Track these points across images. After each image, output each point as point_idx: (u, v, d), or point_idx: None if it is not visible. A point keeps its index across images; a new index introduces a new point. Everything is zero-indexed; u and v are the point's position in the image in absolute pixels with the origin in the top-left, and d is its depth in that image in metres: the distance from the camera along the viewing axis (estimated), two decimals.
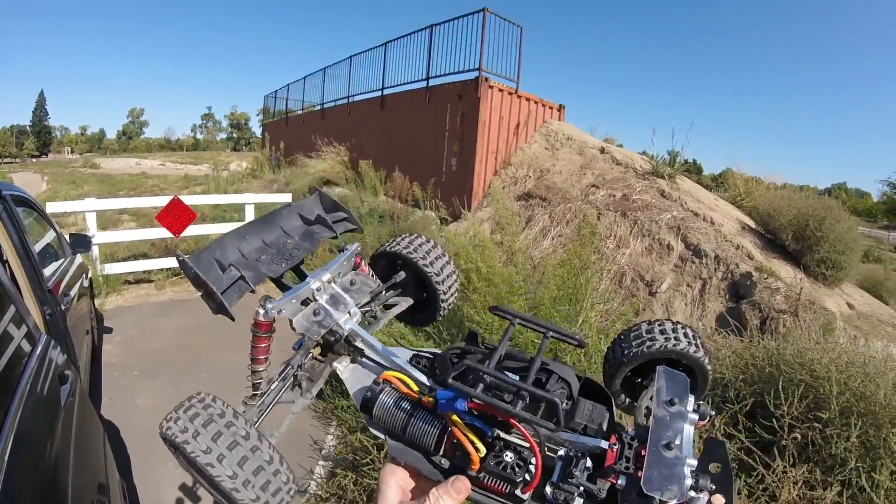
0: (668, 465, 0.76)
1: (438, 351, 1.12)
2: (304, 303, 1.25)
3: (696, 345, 1.08)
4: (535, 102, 12.55)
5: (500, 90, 11.45)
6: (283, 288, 1.32)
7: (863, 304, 7.79)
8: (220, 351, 6.54)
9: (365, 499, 3.62)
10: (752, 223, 9.42)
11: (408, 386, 0.98)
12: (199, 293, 1.20)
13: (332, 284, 1.30)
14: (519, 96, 11.98)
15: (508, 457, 0.83)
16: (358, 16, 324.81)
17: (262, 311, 1.20)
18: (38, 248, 4.09)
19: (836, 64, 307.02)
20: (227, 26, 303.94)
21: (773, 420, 3.63)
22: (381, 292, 1.52)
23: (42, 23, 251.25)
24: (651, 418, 0.86)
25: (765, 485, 3.44)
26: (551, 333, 1.06)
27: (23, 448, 1.66)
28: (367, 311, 1.44)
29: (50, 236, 5.14)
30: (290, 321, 1.21)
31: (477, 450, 0.84)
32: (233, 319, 1.17)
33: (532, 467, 0.82)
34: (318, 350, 1.27)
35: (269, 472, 1.00)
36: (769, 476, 3.43)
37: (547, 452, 0.85)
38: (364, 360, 1.20)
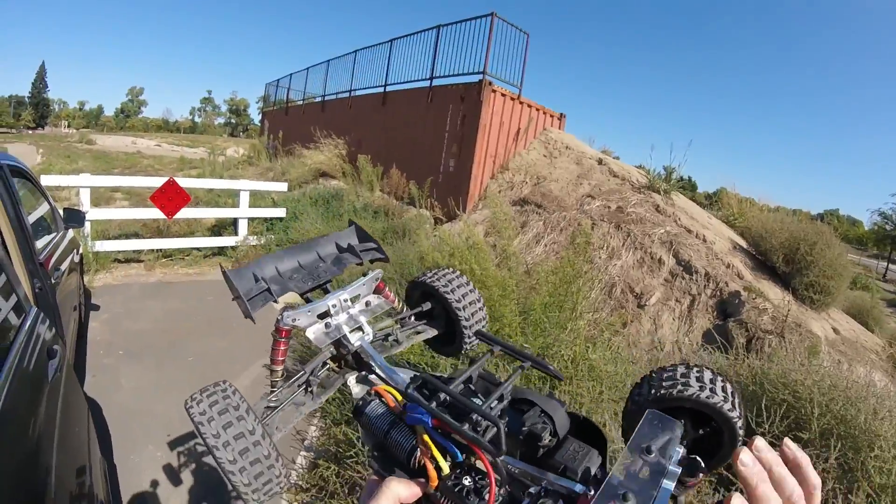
0: None
1: (443, 375, 1.15)
2: (322, 317, 1.36)
3: (733, 404, 0.98)
4: (537, 109, 12.56)
5: (503, 95, 11.45)
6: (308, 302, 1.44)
7: (848, 330, 7.84)
8: (206, 336, 6.54)
9: (346, 491, 3.62)
10: (743, 243, 9.45)
11: (396, 400, 0.99)
12: (233, 299, 1.38)
13: (349, 303, 1.42)
14: (521, 102, 11.98)
15: (467, 481, 0.82)
16: (365, 14, 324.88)
17: (280, 319, 1.33)
18: (31, 220, 4.07)
19: (837, 92, 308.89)
20: (233, 12, 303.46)
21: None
22: (409, 318, 1.65)
23: None
24: (615, 464, 0.83)
25: None
26: (529, 363, 1.04)
27: (8, 422, 1.65)
28: (389, 335, 1.56)
29: (44, 209, 5.11)
30: (305, 331, 1.33)
31: (439, 469, 0.83)
32: (254, 322, 1.35)
33: (487, 495, 0.80)
34: (335, 363, 1.38)
35: (264, 465, 1.08)
36: None
37: (525, 487, 0.83)
38: (373, 377, 1.26)
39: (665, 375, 1.04)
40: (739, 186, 13.02)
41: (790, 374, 4.12)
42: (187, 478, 4.10)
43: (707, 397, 0.96)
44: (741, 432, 0.97)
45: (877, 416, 3.62)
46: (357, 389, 1.25)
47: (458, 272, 1.68)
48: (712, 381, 1.00)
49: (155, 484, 3.99)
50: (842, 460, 3.48)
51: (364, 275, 1.52)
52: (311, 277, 1.50)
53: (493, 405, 0.89)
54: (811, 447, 3.56)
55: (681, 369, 1.04)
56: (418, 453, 0.86)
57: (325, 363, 1.39)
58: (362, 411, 0.96)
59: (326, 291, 1.50)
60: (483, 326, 1.68)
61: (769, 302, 6.77)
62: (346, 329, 1.34)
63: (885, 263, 42.91)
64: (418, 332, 1.65)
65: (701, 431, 0.98)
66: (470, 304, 1.65)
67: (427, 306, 1.65)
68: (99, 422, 4.50)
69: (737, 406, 0.98)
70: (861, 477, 3.39)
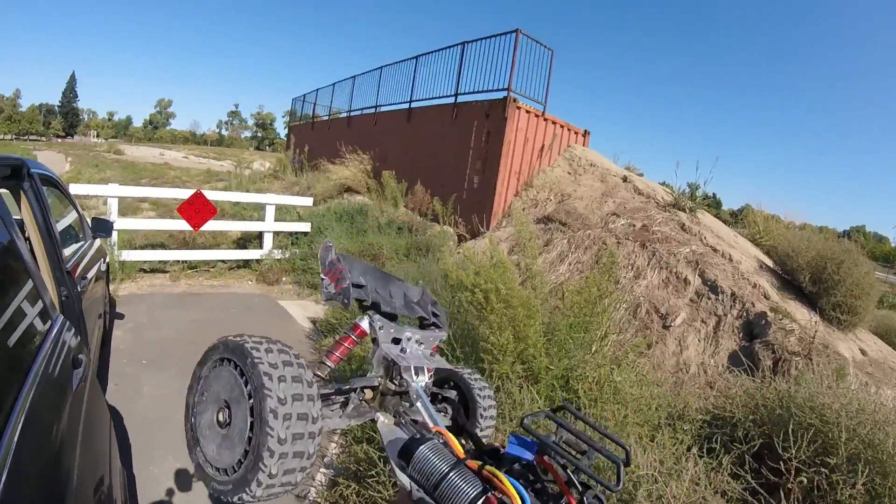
0: None
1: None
2: (395, 342, 1.32)
3: None
4: (561, 126, 12.54)
5: (528, 112, 11.46)
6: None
7: (875, 351, 7.70)
8: None
9: None
10: (769, 262, 9.33)
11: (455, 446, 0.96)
12: (323, 274, 1.34)
13: (417, 346, 1.37)
14: (545, 119, 11.98)
15: None
16: (390, 31, 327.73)
17: (367, 320, 1.31)
18: (59, 227, 4.12)
19: (862, 107, 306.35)
20: (261, 26, 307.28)
21: (781, 462, 3.59)
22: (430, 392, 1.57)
23: (80, 5, 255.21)
24: None
25: None
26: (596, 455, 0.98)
27: (32, 428, 1.66)
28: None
29: (72, 217, 5.18)
30: (379, 344, 1.28)
31: None
32: (347, 307, 1.32)
33: None
34: (369, 394, 1.30)
35: (299, 464, 0.98)
36: None
37: None
38: (403, 424, 1.19)
39: None
40: (765, 203, 12.84)
41: (817, 397, 4.05)
42: (206, 491, 4.09)
43: None
44: None
45: None
46: (386, 430, 1.18)
47: (489, 385, 1.65)
48: None
49: (171, 493, 3.99)
50: (869, 486, 3.42)
51: (437, 327, 1.50)
52: (387, 304, 1.43)
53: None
54: (838, 472, 3.49)
55: None
56: (483, 502, 0.81)
57: (362, 390, 1.31)
58: (417, 447, 0.90)
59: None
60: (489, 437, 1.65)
61: (796, 323, 6.68)
62: (414, 363, 1.27)
63: None
64: None
65: None
66: (488, 427, 1.62)
67: (453, 394, 1.60)
68: (119, 431, 4.52)
69: None
70: (888, 503, 3.32)
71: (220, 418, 1.04)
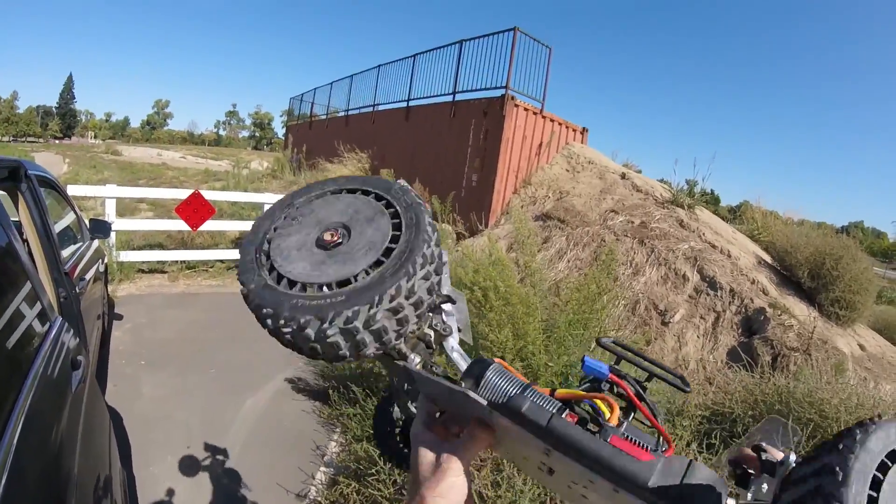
0: None
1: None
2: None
3: None
4: (559, 124, 12.50)
5: (526, 109, 11.44)
6: None
7: (874, 346, 7.70)
8: (229, 347, 6.55)
9: None
10: (768, 258, 9.33)
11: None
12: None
13: (449, 306, 1.31)
14: (543, 116, 11.95)
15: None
16: (387, 30, 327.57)
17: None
18: (57, 229, 4.11)
19: (858, 103, 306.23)
20: (258, 26, 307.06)
21: None
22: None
23: (76, 7, 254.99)
24: None
25: None
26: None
27: (32, 429, 1.66)
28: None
29: (70, 218, 5.17)
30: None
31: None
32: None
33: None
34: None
35: (434, 285, 0.97)
36: None
37: None
38: (437, 373, 1.17)
39: None
40: (763, 200, 12.81)
41: (816, 392, 4.05)
42: (206, 489, 4.09)
43: None
44: None
45: None
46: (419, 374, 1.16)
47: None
48: None
49: (171, 493, 3.99)
50: None
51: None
52: None
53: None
54: None
55: None
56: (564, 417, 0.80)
57: None
58: (482, 369, 0.89)
59: None
60: None
61: (795, 318, 6.68)
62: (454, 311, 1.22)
63: None
64: None
65: None
66: None
67: None
68: (119, 431, 4.51)
69: None
70: None
71: (328, 237, 0.97)
